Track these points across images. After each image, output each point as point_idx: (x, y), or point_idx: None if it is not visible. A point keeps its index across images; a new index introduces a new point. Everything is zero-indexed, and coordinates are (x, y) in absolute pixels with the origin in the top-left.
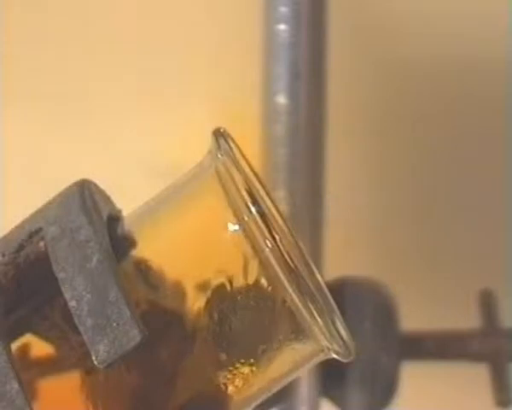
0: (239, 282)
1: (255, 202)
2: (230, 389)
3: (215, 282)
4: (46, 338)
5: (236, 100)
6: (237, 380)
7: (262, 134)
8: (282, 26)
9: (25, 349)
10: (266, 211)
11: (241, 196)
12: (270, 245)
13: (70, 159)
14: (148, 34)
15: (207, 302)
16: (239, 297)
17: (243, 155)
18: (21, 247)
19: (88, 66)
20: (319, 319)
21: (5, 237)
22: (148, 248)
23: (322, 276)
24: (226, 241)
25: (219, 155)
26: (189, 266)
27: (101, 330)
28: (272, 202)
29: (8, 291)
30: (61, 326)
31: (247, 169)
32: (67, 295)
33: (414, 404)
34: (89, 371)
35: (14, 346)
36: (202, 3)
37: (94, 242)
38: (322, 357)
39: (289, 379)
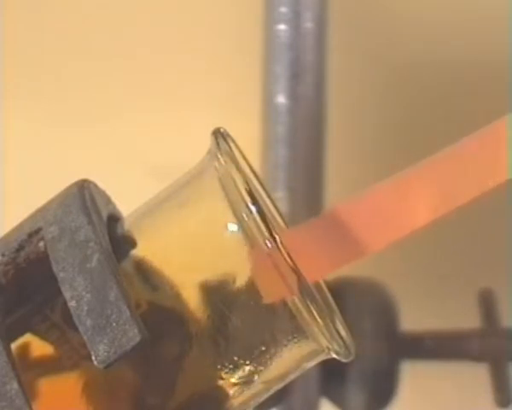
0: (239, 282)
1: (255, 202)
2: (230, 389)
3: (215, 282)
4: (46, 338)
5: (236, 100)
6: (237, 380)
7: (262, 134)
8: (282, 26)
9: (25, 349)
10: (266, 211)
11: (241, 196)
12: (270, 245)
13: (70, 159)
14: (147, 34)
15: (207, 302)
16: (238, 297)
17: (243, 155)
18: (21, 247)
19: (88, 66)
20: (319, 319)
21: (5, 237)
22: (148, 248)
23: None
24: (226, 241)
25: (219, 155)
26: (189, 266)
27: (101, 331)
28: (272, 202)
29: (8, 291)
30: (61, 326)
31: (247, 169)
32: (67, 295)
33: (414, 404)
34: (89, 371)
35: (14, 346)
36: (202, 3)
37: (94, 242)
38: (322, 357)
39: (289, 379)
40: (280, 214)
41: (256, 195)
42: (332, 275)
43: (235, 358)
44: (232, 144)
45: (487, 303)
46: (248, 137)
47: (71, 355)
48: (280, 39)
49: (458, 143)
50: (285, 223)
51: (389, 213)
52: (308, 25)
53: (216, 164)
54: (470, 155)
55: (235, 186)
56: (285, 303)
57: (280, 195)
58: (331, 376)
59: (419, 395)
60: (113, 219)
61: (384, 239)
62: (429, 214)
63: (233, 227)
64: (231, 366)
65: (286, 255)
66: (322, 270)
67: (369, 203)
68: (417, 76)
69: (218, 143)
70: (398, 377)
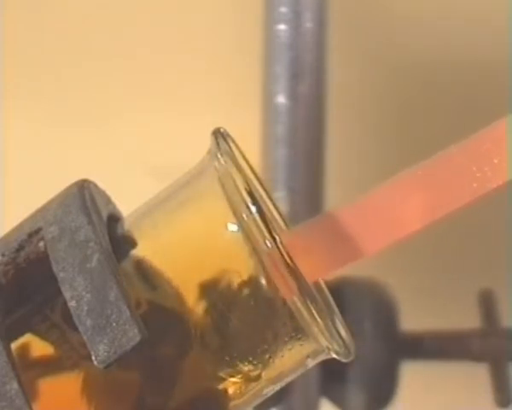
0: (239, 282)
1: (255, 202)
2: (230, 389)
3: (215, 282)
4: (46, 338)
5: (236, 100)
6: (237, 380)
7: (262, 134)
8: (282, 26)
9: (25, 349)
10: (266, 211)
11: (241, 196)
12: (270, 245)
13: (70, 159)
14: (147, 34)
15: (207, 302)
16: (239, 297)
17: (243, 155)
18: (21, 247)
19: (88, 66)
20: (319, 319)
21: (5, 237)
22: (148, 248)
23: None
24: (226, 241)
25: (219, 155)
26: (189, 265)
27: (101, 330)
28: (272, 201)
29: (8, 291)
30: (61, 326)
31: (247, 169)
32: (67, 295)
33: (414, 404)
34: (89, 371)
35: (14, 346)
36: (202, 3)
37: (94, 242)
38: (322, 357)
39: (289, 379)
40: (280, 214)
41: (256, 195)
42: (332, 275)
43: (235, 358)
44: (232, 144)
45: (487, 303)
46: (248, 137)
47: (71, 355)
48: (280, 39)
49: (454, 147)
50: (285, 223)
51: (386, 217)
52: (308, 25)
53: (216, 164)
54: (466, 158)
55: (235, 186)
56: (285, 303)
57: (280, 195)
58: (331, 376)
59: (419, 395)
60: (113, 219)
61: (381, 242)
62: (426, 218)
63: (233, 227)
64: (231, 366)
65: (286, 255)
66: (320, 271)
67: (367, 206)
68: (417, 76)
69: (218, 143)
70: (398, 377)
